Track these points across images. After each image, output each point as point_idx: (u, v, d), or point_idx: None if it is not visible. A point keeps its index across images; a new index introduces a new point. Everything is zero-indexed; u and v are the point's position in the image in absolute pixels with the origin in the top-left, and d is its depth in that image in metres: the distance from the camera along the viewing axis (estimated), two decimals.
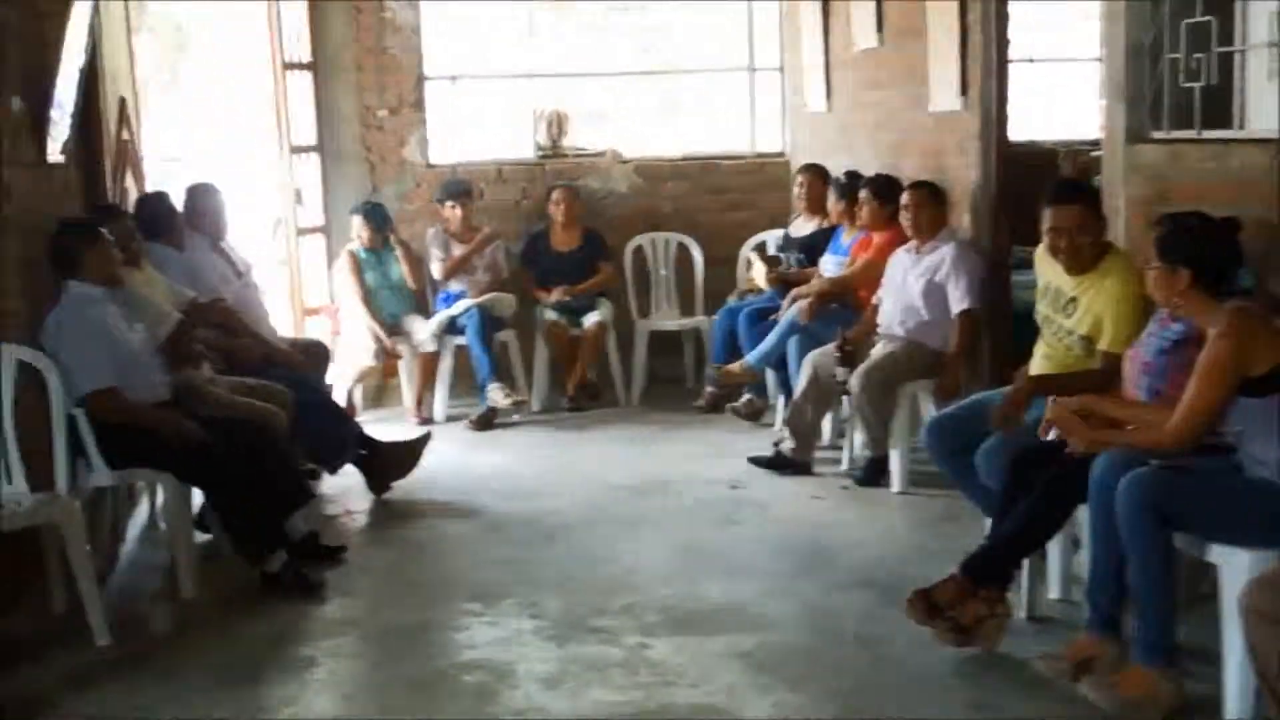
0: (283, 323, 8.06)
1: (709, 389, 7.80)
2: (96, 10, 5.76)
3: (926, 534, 5.57)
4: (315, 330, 8.21)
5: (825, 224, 7.54)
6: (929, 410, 6.09)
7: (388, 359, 8.04)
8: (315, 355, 6.88)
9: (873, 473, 6.27)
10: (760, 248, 7.99)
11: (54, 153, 5.37)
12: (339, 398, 7.88)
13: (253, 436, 5.26)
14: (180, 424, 5.00)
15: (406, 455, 6.43)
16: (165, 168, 8.21)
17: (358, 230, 7.93)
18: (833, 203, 7.34)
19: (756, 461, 6.56)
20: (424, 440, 6.50)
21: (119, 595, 5.12)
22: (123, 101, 6.46)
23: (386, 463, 6.38)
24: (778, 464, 6.52)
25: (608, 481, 6.56)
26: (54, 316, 4.98)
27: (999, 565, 4.32)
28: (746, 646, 4.45)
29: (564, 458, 7.11)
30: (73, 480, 4.88)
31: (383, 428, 7.54)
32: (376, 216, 7.98)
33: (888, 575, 5.04)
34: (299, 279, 8.18)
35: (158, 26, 10.54)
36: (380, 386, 8.44)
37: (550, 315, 8.15)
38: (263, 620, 4.82)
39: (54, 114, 5.24)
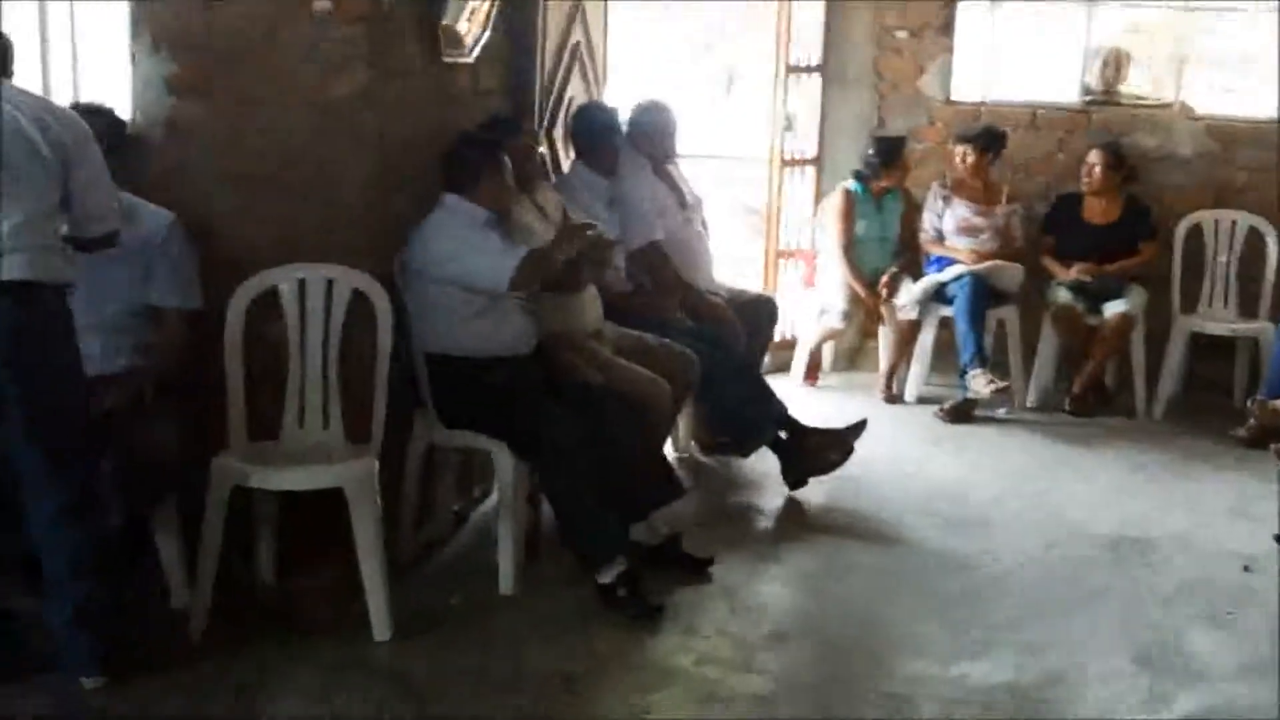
0: (746, 266, 7.19)
1: (1251, 418, 6.07)
2: None
3: None
4: (787, 277, 7.22)
5: None
6: None
7: (869, 320, 6.92)
8: (756, 315, 5.87)
9: None
10: None
11: (460, 50, 4.66)
12: (799, 358, 6.92)
13: (622, 414, 4.36)
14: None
15: (831, 447, 5.29)
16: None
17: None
18: None
19: None
20: (855, 430, 5.33)
21: (439, 573, 4.41)
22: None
23: (807, 452, 5.29)
24: None
25: (1082, 525, 5.12)
26: (423, 229, 4.31)
27: None
28: None
29: (1040, 479, 5.70)
30: (395, 434, 4.18)
31: (842, 399, 6.51)
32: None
33: None
34: (776, 216, 7.17)
35: None
36: (857, 349, 7.33)
37: (1064, 296, 6.65)
38: (569, 645, 3.92)
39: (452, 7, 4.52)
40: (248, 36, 4.09)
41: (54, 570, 3.40)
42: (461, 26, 4.66)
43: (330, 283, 4.07)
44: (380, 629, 3.85)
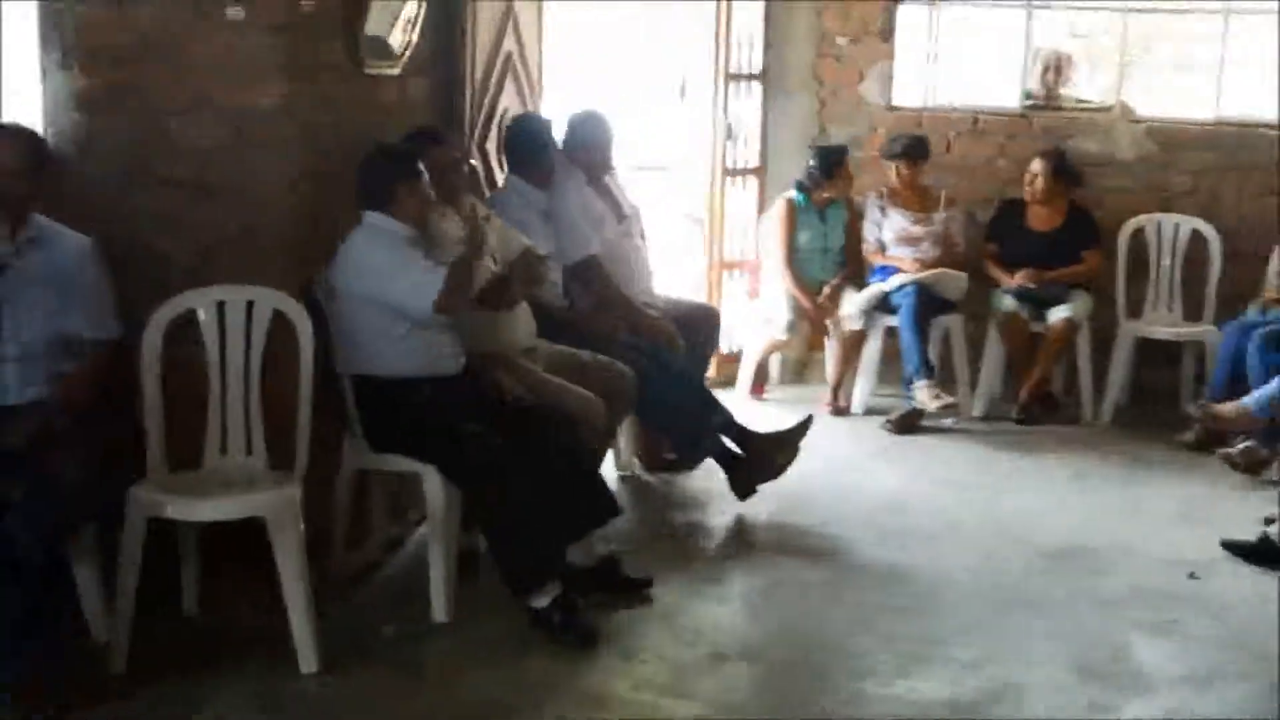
0: (692, 277, 7.11)
1: (1196, 422, 6.04)
2: None
3: None
4: (731, 289, 7.15)
5: None
6: None
7: (814, 332, 6.85)
8: (697, 326, 5.79)
9: None
10: None
11: (386, 62, 4.57)
12: (744, 371, 6.85)
13: (554, 433, 4.26)
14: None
15: (777, 450, 5.20)
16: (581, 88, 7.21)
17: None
18: None
19: (1232, 548, 4.84)
20: (801, 430, 5.25)
21: (372, 600, 4.30)
22: (509, 9, 5.56)
23: (753, 460, 5.20)
24: (1261, 555, 4.77)
25: (1027, 535, 5.07)
26: (345, 249, 4.17)
27: None
28: None
29: (986, 489, 5.64)
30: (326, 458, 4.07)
31: (789, 412, 6.37)
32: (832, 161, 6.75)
33: None
34: (719, 227, 7.10)
35: None
36: (804, 361, 7.26)
37: (1009, 304, 6.61)
38: (502, 672, 3.82)
39: (376, 18, 4.42)
40: (158, 47, 4.00)
41: None
42: (394, 38, 4.56)
43: (250, 305, 3.96)
44: (307, 660, 3.73)
